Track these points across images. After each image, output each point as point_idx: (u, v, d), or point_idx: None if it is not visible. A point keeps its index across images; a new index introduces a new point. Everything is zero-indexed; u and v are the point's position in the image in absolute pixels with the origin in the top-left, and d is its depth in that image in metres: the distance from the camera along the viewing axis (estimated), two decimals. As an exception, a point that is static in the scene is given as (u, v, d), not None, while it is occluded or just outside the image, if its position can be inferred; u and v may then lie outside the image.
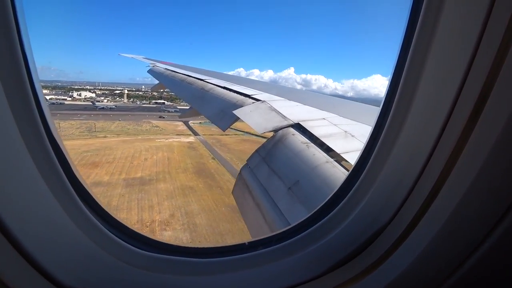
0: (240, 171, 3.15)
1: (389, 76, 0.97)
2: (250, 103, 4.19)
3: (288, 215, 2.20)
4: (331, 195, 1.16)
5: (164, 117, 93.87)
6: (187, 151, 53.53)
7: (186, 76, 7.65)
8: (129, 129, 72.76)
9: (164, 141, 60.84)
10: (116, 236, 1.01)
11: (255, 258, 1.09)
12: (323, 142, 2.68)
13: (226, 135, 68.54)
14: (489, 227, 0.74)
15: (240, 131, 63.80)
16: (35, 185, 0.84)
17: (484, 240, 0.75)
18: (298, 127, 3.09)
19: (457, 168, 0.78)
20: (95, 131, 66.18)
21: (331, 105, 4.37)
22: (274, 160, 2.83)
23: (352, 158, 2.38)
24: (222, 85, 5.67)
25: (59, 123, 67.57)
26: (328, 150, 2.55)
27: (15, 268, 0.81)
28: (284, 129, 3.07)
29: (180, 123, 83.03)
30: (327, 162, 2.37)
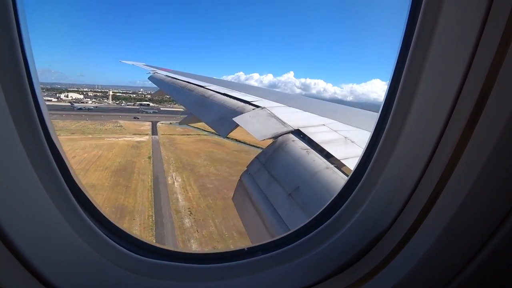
0: (240, 177, 3.13)
1: (388, 80, 0.97)
2: (250, 109, 4.20)
3: (289, 222, 2.18)
4: (330, 200, 1.15)
5: (138, 118, 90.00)
6: (127, 150, 52.04)
7: (186, 83, 7.71)
8: (88, 128, 69.07)
9: (113, 140, 58.35)
10: (114, 241, 1.00)
11: (255, 264, 1.07)
12: (323, 148, 2.67)
13: (187, 135, 67.09)
14: (492, 227, 0.73)
15: (205, 130, 61.79)
16: (32, 187, 0.83)
17: (487, 241, 0.74)
18: (298, 133, 3.09)
19: (457, 171, 0.78)
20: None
21: (330, 111, 4.38)
22: (274, 166, 2.82)
23: (352, 164, 2.36)
24: (222, 92, 5.71)
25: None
26: (328, 156, 2.55)
27: (8, 269, 0.80)
28: (284, 135, 3.08)
29: (148, 123, 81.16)
30: (327, 168, 2.36)
